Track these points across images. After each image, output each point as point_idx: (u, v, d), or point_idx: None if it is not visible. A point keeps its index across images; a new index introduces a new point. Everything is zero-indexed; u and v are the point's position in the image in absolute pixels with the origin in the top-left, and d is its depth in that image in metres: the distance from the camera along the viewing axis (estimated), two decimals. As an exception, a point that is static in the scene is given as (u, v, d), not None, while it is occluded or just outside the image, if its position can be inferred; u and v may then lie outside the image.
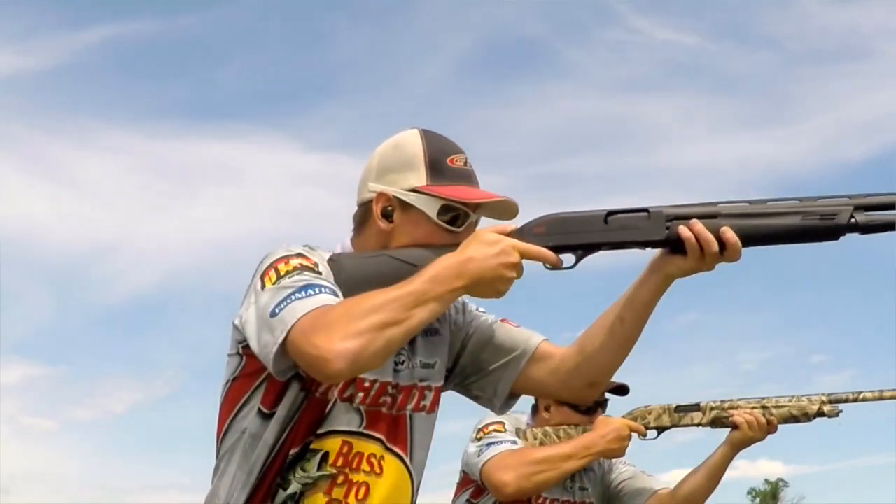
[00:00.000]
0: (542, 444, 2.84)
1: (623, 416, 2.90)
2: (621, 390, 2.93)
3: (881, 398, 2.75)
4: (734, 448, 2.85)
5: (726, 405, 2.83)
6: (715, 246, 1.62)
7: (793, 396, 2.81)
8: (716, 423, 2.84)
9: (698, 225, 1.62)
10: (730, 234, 1.62)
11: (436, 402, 1.82)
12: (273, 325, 1.55)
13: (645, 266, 1.73)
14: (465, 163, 1.77)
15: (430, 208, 1.72)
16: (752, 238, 1.63)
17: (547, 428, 2.88)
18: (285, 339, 1.53)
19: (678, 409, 2.87)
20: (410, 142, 1.76)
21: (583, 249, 1.69)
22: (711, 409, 2.85)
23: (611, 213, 1.68)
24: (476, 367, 1.87)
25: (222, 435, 1.73)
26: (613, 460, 2.98)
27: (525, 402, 3.00)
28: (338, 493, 1.69)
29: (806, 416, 2.79)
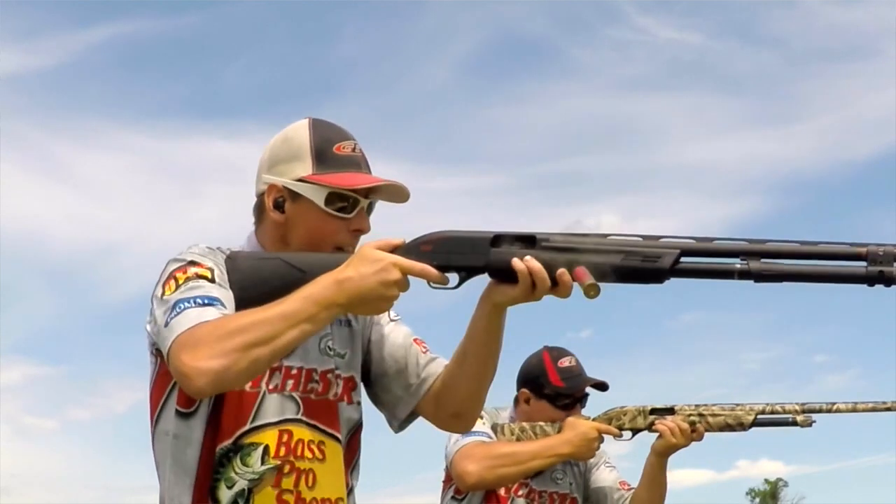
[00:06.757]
0: (518, 440, 2.87)
1: (598, 416, 2.93)
2: (601, 387, 2.97)
3: (854, 410, 2.80)
4: (659, 456, 2.88)
5: (701, 409, 2.85)
6: (548, 283, 1.59)
7: (736, 405, 2.85)
8: (649, 428, 2.88)
9: (534, 262, 1.60)
10: (567, 276, 1.58)
11: (346, 391, 1.82)
12: (166, 335, 1.60)
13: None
14: (354, 149, 1.79)
15: (318, 197, 1.74)
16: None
17: (524, 424, 2.90)
18: (168, 351, 1.58)
19: (653, 411, 2.90)
20: (298, 133, 1.79)
21: (466, 271, 1.66)
22: (687, 412, 2.87)
23: (498, 236, 1.66)
24: (378, 378, 1.88)
25: (152, 439, 1.75)
26: (598, 460, 3.01)
27: (509, 392, 3.05)
28: (287, 482, 1.71)
29: (741, 426, 2.85)
